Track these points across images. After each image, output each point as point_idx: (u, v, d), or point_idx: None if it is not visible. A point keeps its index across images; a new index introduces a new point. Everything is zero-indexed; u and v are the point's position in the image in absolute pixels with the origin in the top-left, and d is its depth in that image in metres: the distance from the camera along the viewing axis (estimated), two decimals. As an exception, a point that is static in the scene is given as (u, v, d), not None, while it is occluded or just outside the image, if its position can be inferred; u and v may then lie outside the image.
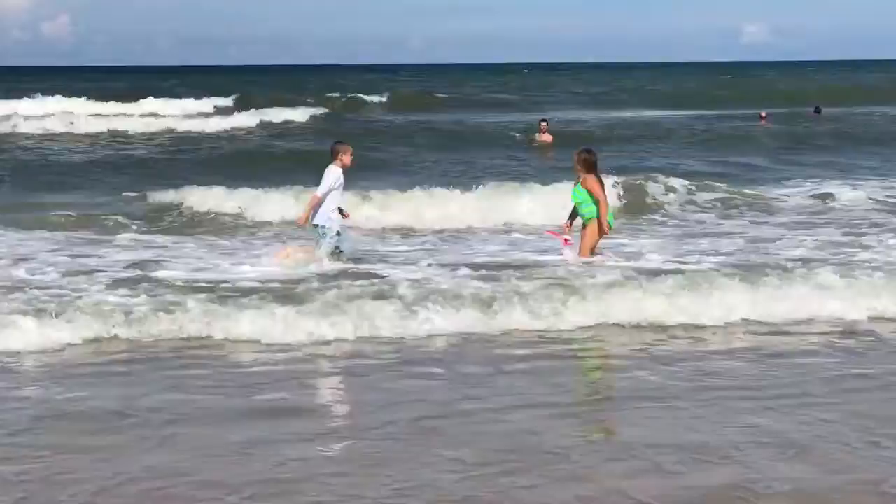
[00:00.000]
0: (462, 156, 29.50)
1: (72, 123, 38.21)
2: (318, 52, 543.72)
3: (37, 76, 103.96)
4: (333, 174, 14.28)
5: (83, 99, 50.82)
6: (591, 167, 14.30)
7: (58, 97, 50.29)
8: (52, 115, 42.19)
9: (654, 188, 21.33)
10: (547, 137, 32.23)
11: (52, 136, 35.50)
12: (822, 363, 10.00)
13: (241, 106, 48.94)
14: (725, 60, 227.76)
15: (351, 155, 14.52)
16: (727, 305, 11.76)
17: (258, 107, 46.01)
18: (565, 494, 6.74)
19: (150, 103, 50.31)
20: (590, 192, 14.16)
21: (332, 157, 14.47)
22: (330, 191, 14.22)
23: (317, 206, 14.22)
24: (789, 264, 13.68)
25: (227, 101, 54.01)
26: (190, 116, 44.51)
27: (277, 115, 43.10)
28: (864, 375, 9.56)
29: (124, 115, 44.14)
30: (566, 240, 14.38)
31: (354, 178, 16.22)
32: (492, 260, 14.78)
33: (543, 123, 33.12)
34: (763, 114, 42.91)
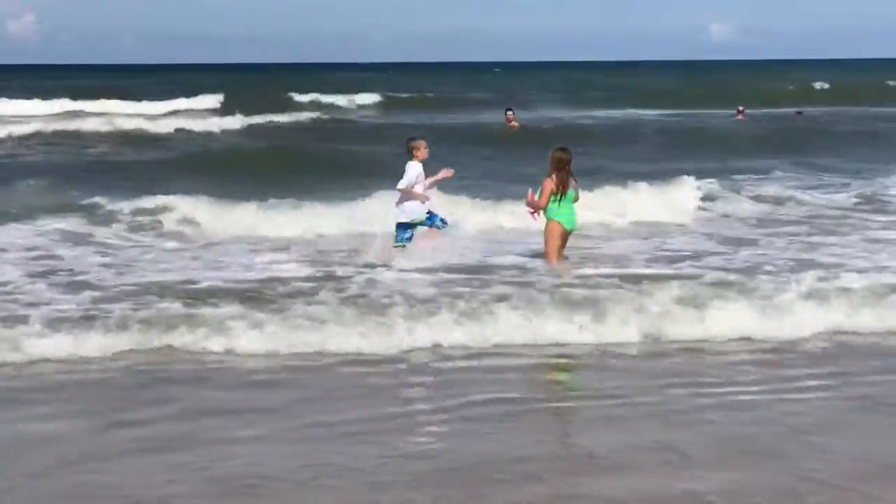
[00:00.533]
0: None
1: None
2: (281, 51, 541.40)
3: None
4: (414, 168, 14.69)
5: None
6: (558, 166, 14.05)
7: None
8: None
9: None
10: (514, 124, 33.51)
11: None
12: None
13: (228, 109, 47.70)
14: (693, 59, 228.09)
15: (426, 148, 14.86)
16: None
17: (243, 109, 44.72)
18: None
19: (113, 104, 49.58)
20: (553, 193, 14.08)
21: (408, 152, 14.87)
22: (412, 185, 14.63)
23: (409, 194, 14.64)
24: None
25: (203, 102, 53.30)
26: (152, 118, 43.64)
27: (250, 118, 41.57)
28: None
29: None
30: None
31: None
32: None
33: (510, 113, 34.41)
34: (740, 108, 42.87)
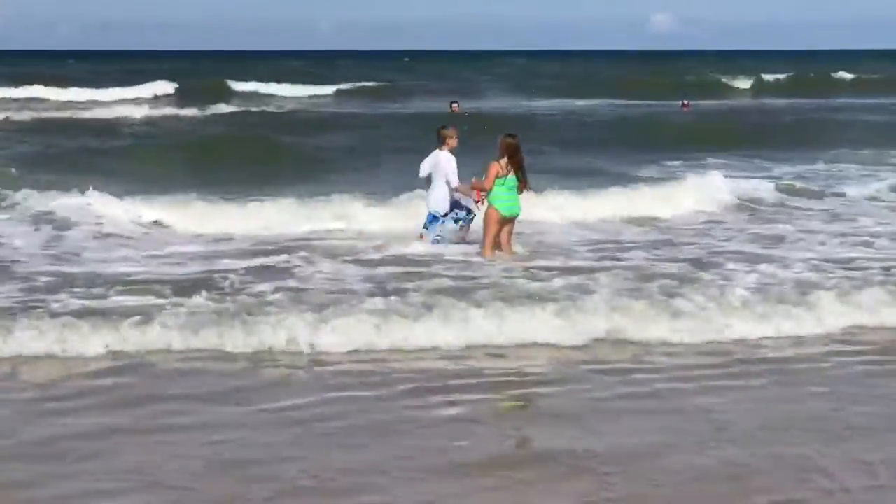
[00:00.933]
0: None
1: None
2: (223, 39, 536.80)
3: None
4: (447, 158, 14.62)
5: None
6: (508, 151, 13.95)
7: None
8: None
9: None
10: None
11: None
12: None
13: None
14: (635, 49, 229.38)
15: (457, 137, 14.77)
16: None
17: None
18: None
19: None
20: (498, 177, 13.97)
21: (439, 142, 14.73)
22: (446, 175, 14.53)
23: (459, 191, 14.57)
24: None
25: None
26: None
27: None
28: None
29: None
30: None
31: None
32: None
33: (455, 105, 33.92)
34: (685, 102, 42.75)
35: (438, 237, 14.61)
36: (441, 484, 6.89)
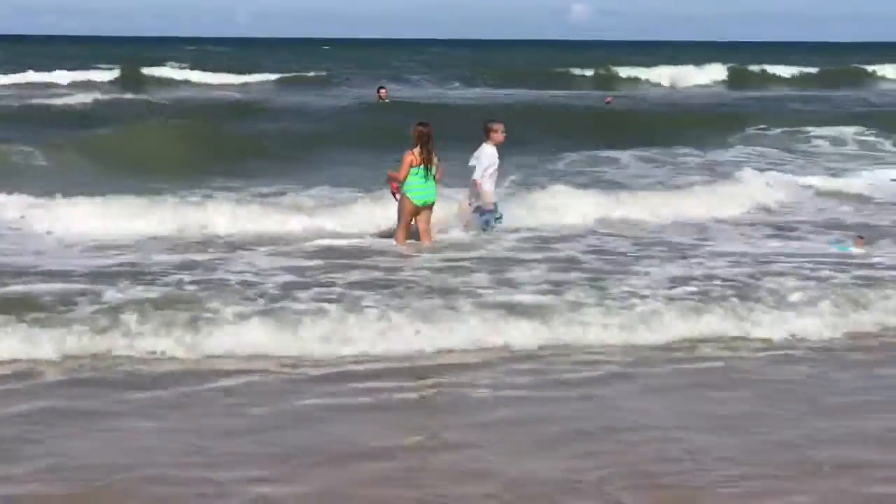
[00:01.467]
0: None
1: None
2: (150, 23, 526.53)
3: None
4: (489, 154, 14.51)
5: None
6: (420, 140, 14.08)
7: None
8: None
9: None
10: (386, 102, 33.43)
11: None
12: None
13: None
14: (555, 39, 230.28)
15: (503, 132, 14.66)
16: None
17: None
18: None
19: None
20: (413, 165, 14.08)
21: (484, 135, 14.66)
22: (488, 170, 14.46)
23: (477, 188, 14.46)
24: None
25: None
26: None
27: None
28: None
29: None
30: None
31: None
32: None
33: (382, 90, 34.21)
34: (608, 98, 41.70)
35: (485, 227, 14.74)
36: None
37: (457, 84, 57.39)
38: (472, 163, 14.71)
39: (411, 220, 14.23)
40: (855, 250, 13.98)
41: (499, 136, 14.65)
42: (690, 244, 14.87)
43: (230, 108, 35.69)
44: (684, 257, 13.80)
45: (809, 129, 30.42)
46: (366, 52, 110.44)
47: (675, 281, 12.20)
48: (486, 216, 14.77)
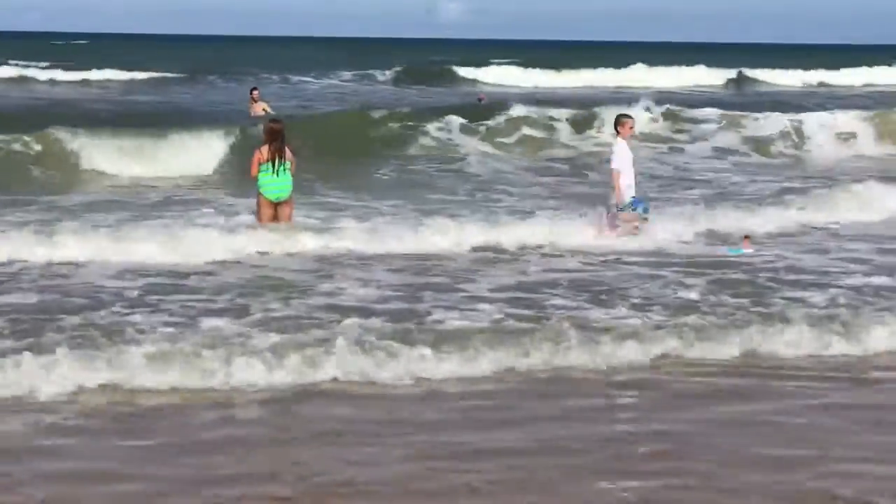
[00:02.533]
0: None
1: None
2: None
3: None
4: (621, 147, 14.58)
5: None
6: (270, 137, 14.31)
7: None
8: None
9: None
10: (258, 107, 29.35)
11: None
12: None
13: None
14: (427, 37, 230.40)
15: (632, 127, 14.88)
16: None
17: None
18: None
19: None
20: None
21: (616, 129, 14.82)
22: (623, 164, 14.48)
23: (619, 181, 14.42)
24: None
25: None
26: None
27: None
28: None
29: None
30: None
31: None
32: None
33: (255, 92, 30.41)
34: (481, 96, 41.20)
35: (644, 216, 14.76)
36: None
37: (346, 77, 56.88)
38: (608, 160, 14.88)
39: (271, 214, 14.44)
40: (745, 250, 14.15)
41: (627, 129, 14.72)
42: None
43: None
44: None
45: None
46: (240, 49, 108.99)
47: None
48: (637, 203, 14.71)
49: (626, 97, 33.07)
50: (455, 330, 9.84)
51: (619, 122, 14.86)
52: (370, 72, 60.99)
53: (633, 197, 14.66)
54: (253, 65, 67.04)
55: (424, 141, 25.39)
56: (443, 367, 9.00)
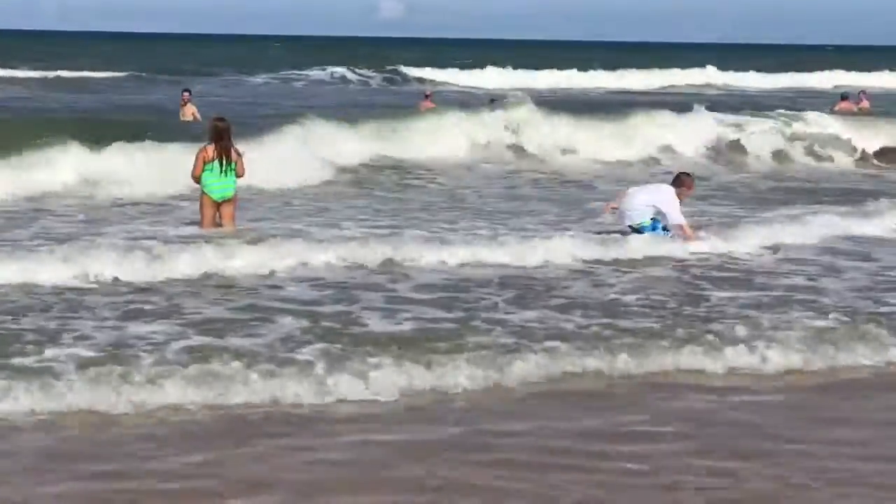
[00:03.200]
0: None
1: None
2: None
3: None
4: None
5: None
6: (216, 135, 13.96)
7: None
8: None
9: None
10: (188, 110, 27.72)
11: None
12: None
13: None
14: (363, 35, 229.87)
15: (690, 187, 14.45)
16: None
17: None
18: None
19: None
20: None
21: (677, 185, 14.27)
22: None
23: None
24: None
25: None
26: None
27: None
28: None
29: None
30: None
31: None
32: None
33: (186, 94, 28.76)
34: (428, 92, 39.08)
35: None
36: None
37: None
38: (664, 211, 14.17)
39: (213, 214, 14.07)
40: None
41: (689, 192, 14.46)
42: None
43: None
44: None
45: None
46: (177, 47, 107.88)
47: None
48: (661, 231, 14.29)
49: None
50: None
51: (682, 181, 14.40)
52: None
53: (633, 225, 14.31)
54: (215, 64, 66.41)
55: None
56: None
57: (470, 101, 39.38)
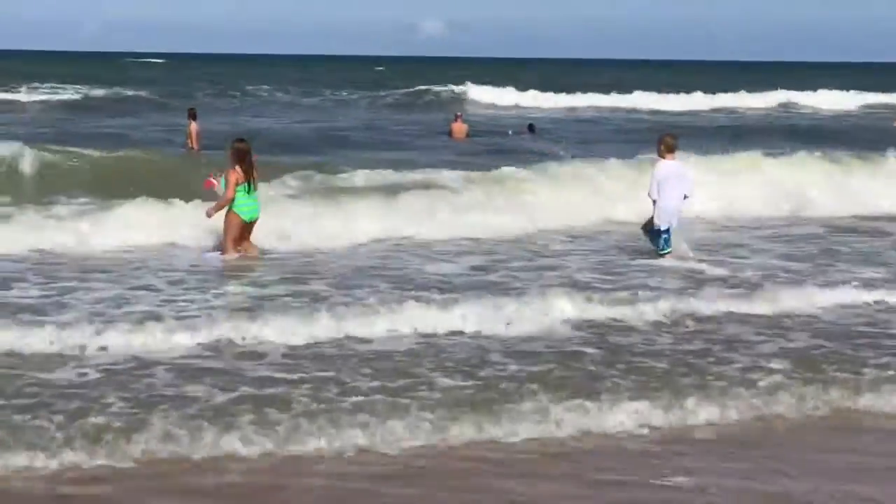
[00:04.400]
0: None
1: None
2: None
3: None
4: (658, 167, 14.21)
5: None
6: (240, 156, 14.09)
7: None
8: None
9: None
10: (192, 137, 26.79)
11: None
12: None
13: None
14: (404, 55, 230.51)
15: (662, 144, 14.24)
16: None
17: None
18: None
19: None
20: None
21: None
22: (661, 185, 14.09)
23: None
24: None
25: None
26: None
27: None
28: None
29: None
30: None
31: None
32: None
33: (192, 109, 28.30)
34: (458, 113, 37.93)
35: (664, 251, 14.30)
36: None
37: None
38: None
39: (241, 232, 14.28)
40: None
41: (661, 148, 14.28)
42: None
43: None
44: None
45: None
46: (221, 67, 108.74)
47: None
48: (657, 237, 14.26)
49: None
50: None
51: (659, 140, 14.45)
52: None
53: (662, 230, 14.21)
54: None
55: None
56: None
57: (506, 127, 39.06)
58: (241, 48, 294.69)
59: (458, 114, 37.88)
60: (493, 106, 55.41)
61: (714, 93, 60.03)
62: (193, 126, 27.10)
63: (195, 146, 26.75)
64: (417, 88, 61.82)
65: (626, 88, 61.77)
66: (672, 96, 58.80)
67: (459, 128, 35.46)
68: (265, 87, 66.13)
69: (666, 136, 14.48)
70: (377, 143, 32.78)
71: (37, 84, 60.02)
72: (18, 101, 49.66)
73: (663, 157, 14.25)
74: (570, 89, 61.87)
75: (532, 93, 60.05)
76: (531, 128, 37.14)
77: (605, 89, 62.16)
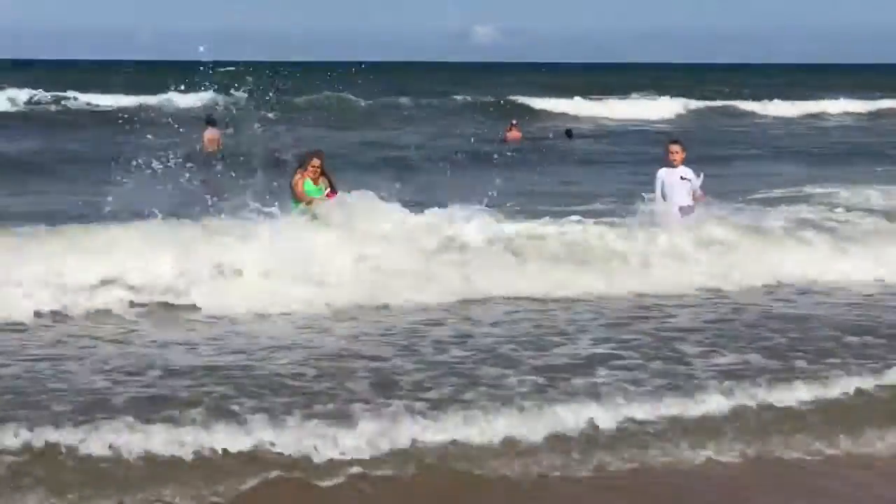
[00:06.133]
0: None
1: None
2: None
3: None
4: (658, 175, 14.43)
5: None
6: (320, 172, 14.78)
7: None
8: None
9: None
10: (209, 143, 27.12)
11: None
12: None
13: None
14: (458, 61, 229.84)
15: (670, 152, 14.37)
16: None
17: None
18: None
19: None
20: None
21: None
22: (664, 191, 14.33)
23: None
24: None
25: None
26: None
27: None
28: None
29: None
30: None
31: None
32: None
33: (209, 119, 28.69)
34: (514, 121, 37.94)
35: None
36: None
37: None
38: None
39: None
40: None
41: (669, 156, 14.48)
42: None
43: None
44: None
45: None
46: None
47: None
48: None
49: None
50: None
51: (667, 149, 14.67)
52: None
53: None
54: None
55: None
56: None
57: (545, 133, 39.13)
58: (308, 55, 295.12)
59: (514, 122, 38.30)
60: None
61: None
62: (209, 132, 27.34)
63: (209, 149, 26.61)
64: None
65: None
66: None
67: (513, 136, 36.20)
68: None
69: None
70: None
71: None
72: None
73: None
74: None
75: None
76: (569, 133, 38.08)
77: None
